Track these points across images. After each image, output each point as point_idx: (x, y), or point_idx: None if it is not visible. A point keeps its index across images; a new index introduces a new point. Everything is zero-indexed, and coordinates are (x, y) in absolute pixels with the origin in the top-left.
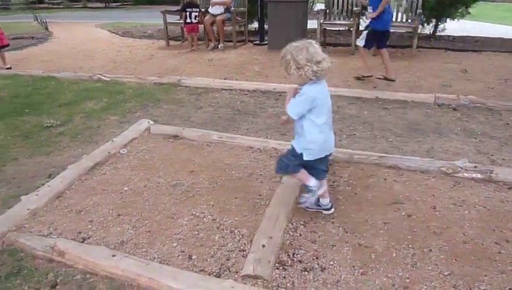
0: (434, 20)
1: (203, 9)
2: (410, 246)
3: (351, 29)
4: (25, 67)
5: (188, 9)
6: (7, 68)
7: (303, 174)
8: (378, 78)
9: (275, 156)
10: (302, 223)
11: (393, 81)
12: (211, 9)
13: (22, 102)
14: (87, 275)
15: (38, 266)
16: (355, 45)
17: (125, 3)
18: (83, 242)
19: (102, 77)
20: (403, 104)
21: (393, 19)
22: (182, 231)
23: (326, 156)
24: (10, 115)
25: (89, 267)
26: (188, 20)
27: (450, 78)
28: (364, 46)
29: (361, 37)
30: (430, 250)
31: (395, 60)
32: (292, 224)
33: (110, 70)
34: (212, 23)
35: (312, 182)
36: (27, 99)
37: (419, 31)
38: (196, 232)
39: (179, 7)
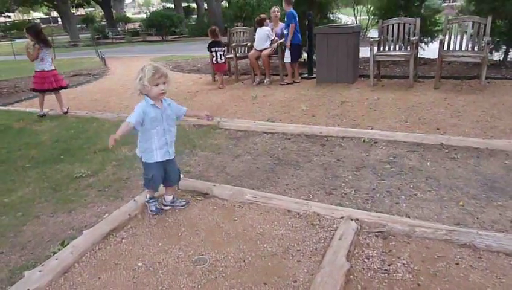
0: (504, 47)
1: (248, 44)
2: None
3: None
4: (74, 107)
5: (213, 49)
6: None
7: None
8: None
9: (317, 224)
10: None
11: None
12: (255, 44)
13: (61, 147)
14: None
15: None
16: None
17: (181, 36)
18: None
19: None
20: (475, 152)
21: (457, 47)
22: None
23: None
24: (45, 163)
25: None
26: (214, 61)
27: None
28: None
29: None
30: None
31: (460, 93)
32: None
33: None
34: (258, 58)
35: None
36: (66, 144)
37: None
38: None
39: (226, 39)
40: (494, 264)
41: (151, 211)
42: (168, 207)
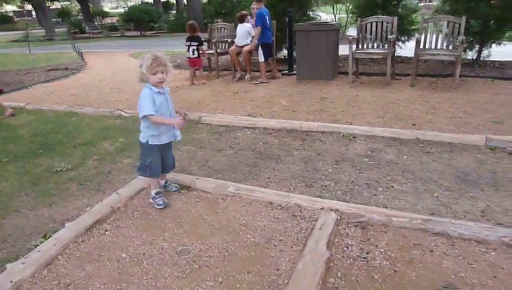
0: (477, 46)
1: (229, 40)
2: None
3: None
4: (52, 102)
5: (187, 43)
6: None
7: None
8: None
9: (298, 215)
10: None
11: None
12: (236, 40)
13: (40, 141)
14: None
15: None
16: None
17: (160, 31)
18: None
19: (122, 113)
20: (449, 146)
21: (433, 46)
22: None
23: None
24: (24, 157)
25: None
26: (188, 55)
27: (502, 114)
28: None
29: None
30: None
31: (436, 90)
32: None
33: (133, 104)
34: (238, 54)
35: None
36: (45, 138)
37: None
38: None
39: (206, 35)
40: (466, 251)
41: (158, 205)
42: (161, 190)
